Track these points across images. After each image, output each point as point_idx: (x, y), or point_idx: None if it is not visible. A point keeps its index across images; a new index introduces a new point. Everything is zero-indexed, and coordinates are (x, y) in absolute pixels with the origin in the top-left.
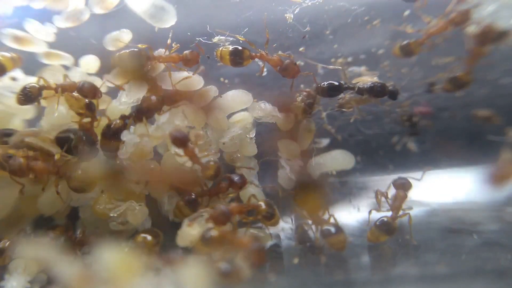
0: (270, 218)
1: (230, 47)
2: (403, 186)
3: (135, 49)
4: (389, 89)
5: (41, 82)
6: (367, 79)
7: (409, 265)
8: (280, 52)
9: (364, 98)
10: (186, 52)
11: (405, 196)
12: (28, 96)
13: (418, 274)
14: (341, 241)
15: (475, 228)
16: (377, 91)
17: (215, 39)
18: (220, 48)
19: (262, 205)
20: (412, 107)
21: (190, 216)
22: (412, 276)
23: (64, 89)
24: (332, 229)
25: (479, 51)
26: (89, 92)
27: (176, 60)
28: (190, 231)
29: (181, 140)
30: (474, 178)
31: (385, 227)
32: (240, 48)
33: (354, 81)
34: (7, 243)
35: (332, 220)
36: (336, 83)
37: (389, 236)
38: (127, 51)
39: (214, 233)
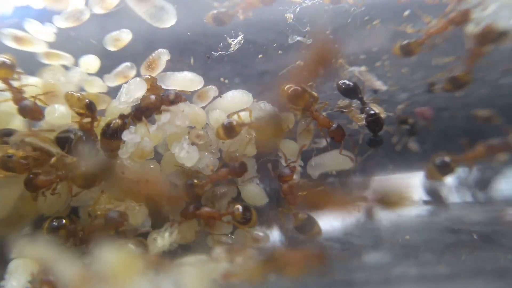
0: (246, 222)
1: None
2: None
3: None
4: (377, 133)
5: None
6: (377, 109)
7: (409, 265)
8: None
9: (360, 118)
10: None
11: None
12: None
13: (418, 274)
14: (317, 232)
15: (475, 228)
16: (368, 122)
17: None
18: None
19: (239, 208)
20: (411, 108)
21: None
22: (412, 276)
23: None
24: (307, 222)
25: (479, 51)
26: None
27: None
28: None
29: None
30: (474, 178)
31: None
32: (299, 89)
33: (372, 102)
34: None
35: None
36: (354, 87)
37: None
38: None
39: None
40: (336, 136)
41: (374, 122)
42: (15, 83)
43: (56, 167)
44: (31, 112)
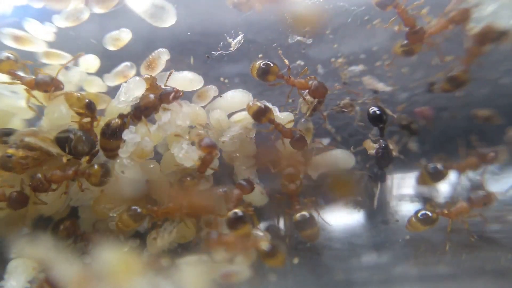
0: (272, 256)
1: (261, 62)
2: None
3: None
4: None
5: None
6: (391, 145)
7: (409, 265)
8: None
9: (372, 146)
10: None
11: None
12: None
13: (418, 274)
14: (315, 233)
15: (475, 228)
16: (377, 153)
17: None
18: (256, 63)
19: (266, 246)
20: (411, 108)
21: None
22: (412, 276)
23: None
24: (307, 220)
25: (477, 50)
26: None
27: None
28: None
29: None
30: (474, 178)
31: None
32: (271, 64)
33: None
34: None
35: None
36: (379, 115)
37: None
38: None
39: None
40: (317, 94)
41: (382, 156)
42: (24, 75)
43: (69, 165)
44: (47, 84)
